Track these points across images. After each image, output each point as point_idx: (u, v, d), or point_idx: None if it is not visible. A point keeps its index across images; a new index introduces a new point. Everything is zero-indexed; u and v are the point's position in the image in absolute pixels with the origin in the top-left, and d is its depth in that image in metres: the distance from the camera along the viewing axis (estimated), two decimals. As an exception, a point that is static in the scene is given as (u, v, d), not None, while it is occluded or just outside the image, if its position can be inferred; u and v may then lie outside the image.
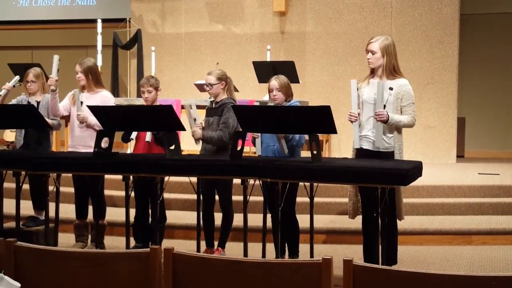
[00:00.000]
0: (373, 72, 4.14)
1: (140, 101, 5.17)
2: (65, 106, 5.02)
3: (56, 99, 4.92)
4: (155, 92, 4.84)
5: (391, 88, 4.01)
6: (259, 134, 4.47)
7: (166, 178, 4.37)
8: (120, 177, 4.09)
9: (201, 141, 4.66)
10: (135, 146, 4.95)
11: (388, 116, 3.94)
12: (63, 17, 11.20)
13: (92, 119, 4.65)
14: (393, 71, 4.07)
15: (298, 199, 4.50)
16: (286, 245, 4.55)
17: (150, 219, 4.75)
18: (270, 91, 4.52)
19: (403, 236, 4.90)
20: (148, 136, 4.74)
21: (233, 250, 4.82)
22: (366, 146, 4.11)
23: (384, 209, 3.63)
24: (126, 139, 4.87)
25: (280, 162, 3.89)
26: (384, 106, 3.96)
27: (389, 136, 4.07)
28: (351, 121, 4.06)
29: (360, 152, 4.13)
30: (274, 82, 4.48)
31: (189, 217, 5.43)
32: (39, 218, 5.28)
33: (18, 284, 1.41)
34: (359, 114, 4.07)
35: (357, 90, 4.12)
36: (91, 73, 4.93)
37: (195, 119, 4.61)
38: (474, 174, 7.12)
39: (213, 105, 4.74)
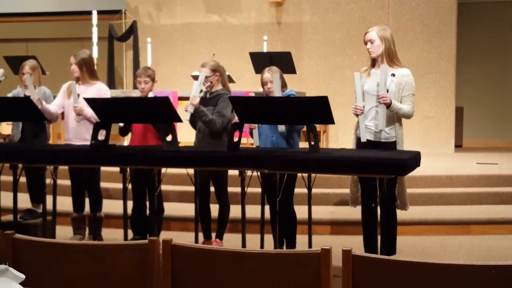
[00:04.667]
0: (374, 63, 4.13)
1: (136, 93, 5.14)
2: (58, 104, 4.96)
3: (45, 109, 4.76)
4: (151, 83, 4.82)
5: (393, 75, 4.00)
6: (256, 125, 4.45)
7: (164, 170, 4.35)
8: (115, 169, 4.08)
9: (189, 114, 4.55)
10: (131, 138, 4.93)
11: (391, 101, 3.93)
12: (58, 9, 11.15)
13: (88, 111, 4.63)
14: (392, 57, 4.06)
15: (296, 190, 4.49)
16: (284, 236, 4.54)
17: (147, 211, 4.74)
18: (264, 84, 4.48)
19: (402, 227, 4.89)
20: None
21: (231, 241, 4.81)
22: (367, 136, 4.10)
23: (382, 199, 3.63)
24: (123, 132, 4.85)
25: (278, 153, 3.87)
26: (387, 91, 3.95)
27: (390, 126, 4.06)
28: (357, 114, 4.04)
29: (361, 142, 4.12)
30: (268, 75, 4.45)
31: (186, 209, 5.42)
32: (36, 211, 5.26)
33: (23, 276, 1.41)
34: (363, 106, 4.05)
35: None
36: (86, 65, 4.89)
37: (201, 90, 4.57)
38: (472, 164, 7.12)
39: (207, 95, 4.71)
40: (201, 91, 4.57)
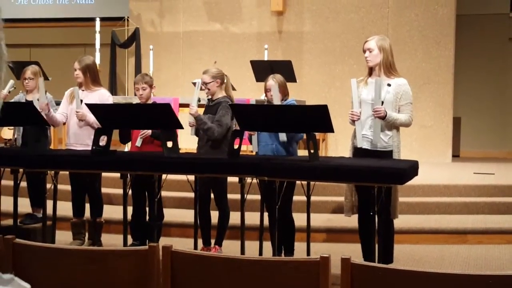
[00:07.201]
0: (371, 72, 4.17)
1: (137, 100, 5.16)
2: (63, 112, 4.97)
3: (52, 116, 4.86)
4: (149, 90, 4.84)
5: (389, 85, 4.03)
6: (255, 132, 4.48)
7: (164, 176, 4.38)
8: (116, 175, 4.10)
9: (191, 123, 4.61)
10: (132, 144, 4.96)
11: (386, 113, 3.97)
12: (61, 15, 11.18)
13: (91, 117, 4.66)
14: (390, 68, 4.10)
15: (295, 198, 4.52)
16: (283, 243, 4.56)
17: (147, 217, 4.76)
18: (267, 90, 4.52)
19: (399, 235, 4.91)
20: (138, 141, 4.72)
21: (230, 248, 4.83)
22: (365, 145, 4.13)
23: (380, 208, 3.65)
24: (124, 140, 4.87)
25: (278, 161, 3.90)
26: (382, 103, 3.99)
27: (388, 135, 4.10)
28: (353, 120, 4.07)
29: (358, 151, 4.15)
30: (271, 81, 4.49)
31: (186, 215, 5.44)
32: (36, 216, 5.28)
33: (28, 286, 1.41)
34: (360, 113, 4.09)
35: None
36: (89, 71, 4.92)
37: (199, 99, 4.59)
38: (469, 174, 7.14)
39: (210, 103, 4.74)
40: (199, 99, 4.59)
